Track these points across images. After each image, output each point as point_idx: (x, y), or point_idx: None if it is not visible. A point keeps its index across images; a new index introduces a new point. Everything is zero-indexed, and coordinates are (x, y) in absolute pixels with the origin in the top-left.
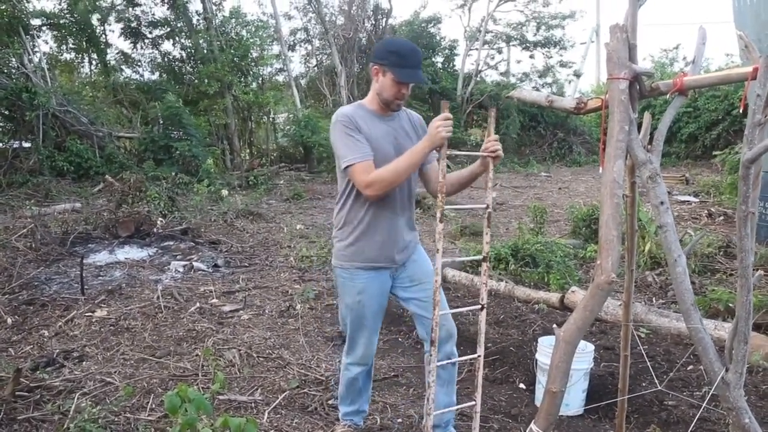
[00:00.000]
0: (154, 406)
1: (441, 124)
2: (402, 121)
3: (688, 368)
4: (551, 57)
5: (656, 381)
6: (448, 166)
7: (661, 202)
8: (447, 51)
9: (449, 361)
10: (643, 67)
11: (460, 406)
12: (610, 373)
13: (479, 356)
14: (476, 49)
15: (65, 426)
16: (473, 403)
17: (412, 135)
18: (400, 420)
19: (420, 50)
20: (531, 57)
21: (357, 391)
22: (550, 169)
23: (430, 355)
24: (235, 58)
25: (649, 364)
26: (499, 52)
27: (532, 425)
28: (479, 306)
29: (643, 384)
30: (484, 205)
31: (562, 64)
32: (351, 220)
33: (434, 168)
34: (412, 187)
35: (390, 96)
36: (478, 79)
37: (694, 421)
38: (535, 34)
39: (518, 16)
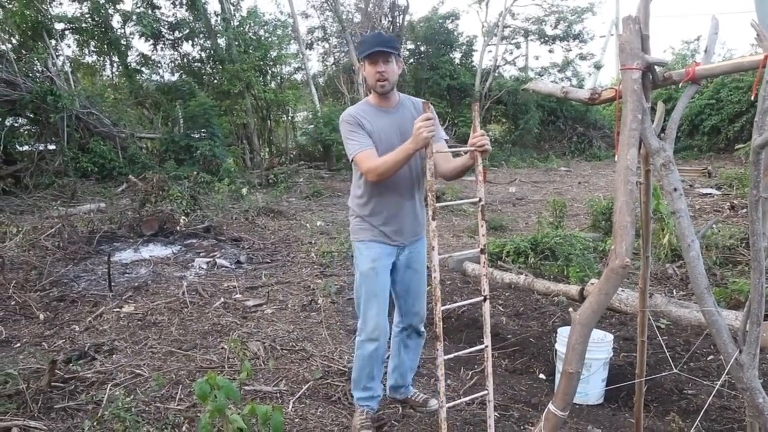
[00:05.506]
0: (182, 396)
1: (422, 125)
2: (406, 110)
3: (708, 358)
4: (570, 50)
5: (674, 369)
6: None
7: (675, 189)
8: (465, 47)
9: (455, 354)
10: (656, 57)
11: (474, 396)
12: (630, 363)
13: (486, 347)
14: (494, 44)
15: (99, 414)
16: (486, 392)
17: None
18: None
19: (383, 34)
20: (550, 51)
21: (369, 376)
22: (570, 164)
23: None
24: (255, 58)
25: (668, 354)
26: (518, 47)
27: (550, 405)
28: (482, 298)
29: (663, 374)
30: (477, 199)
31: (582, 57)
32: (362, 203)
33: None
34: (419, 176)
35: (372, 80)
36: (496, 74)
37: (707, 403)
38: (554, 28)
39: (536, 11)
